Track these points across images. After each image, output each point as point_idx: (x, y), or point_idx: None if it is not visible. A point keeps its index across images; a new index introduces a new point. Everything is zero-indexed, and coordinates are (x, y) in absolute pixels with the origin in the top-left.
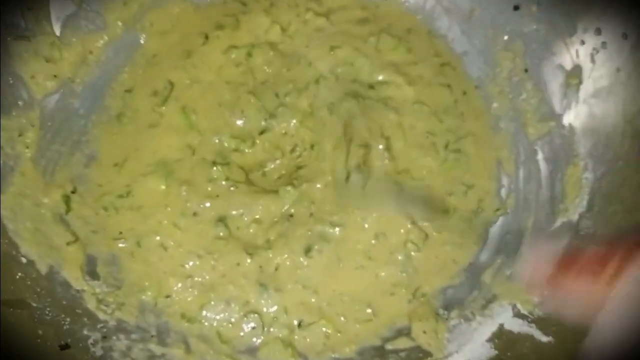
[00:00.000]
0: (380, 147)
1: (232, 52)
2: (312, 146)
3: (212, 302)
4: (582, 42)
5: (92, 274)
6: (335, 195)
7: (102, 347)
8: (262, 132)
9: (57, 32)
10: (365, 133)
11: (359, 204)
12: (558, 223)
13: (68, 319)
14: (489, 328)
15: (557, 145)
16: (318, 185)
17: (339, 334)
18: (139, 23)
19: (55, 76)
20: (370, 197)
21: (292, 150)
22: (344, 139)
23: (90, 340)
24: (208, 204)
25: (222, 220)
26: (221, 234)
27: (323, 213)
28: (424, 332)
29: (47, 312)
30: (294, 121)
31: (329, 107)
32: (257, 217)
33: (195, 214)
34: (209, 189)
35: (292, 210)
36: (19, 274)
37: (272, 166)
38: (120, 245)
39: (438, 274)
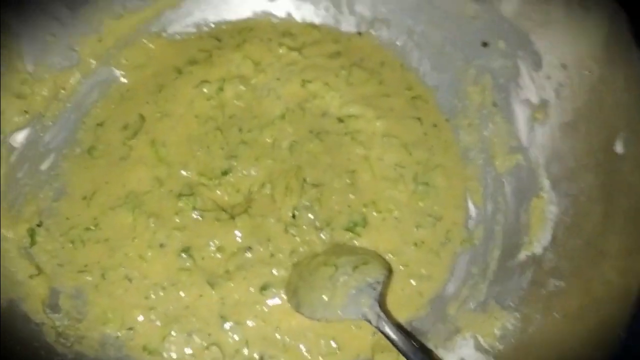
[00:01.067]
0: (348, 181)
1: (204, 87)
2: (263, 184)
3: (175, 334)
4: (548, 77)
5: (54, 307)
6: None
7: None
8: (224, 173)
9: (29, 69)
10: (324, 172)
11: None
12: (522, 256)
13: (25, 353)
14: None
15: (523, 178)
16: (272, 220)
17: None
18: (113, 59)
19: (25, 112)
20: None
21: (250, 191)
22: (297, 180)
23: None
24: (176, 235)
25: (186, 250)
26: (187, 264)
27: (284, 255)
28: None
29: (2, 347)
30: (254, 161)
31: (291, 145)
32: (220, 245)
33: (162, 245)
34: (177, 220)
35: (250, 244)
36: None
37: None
38: (86, 278)
39: (404, 307)
